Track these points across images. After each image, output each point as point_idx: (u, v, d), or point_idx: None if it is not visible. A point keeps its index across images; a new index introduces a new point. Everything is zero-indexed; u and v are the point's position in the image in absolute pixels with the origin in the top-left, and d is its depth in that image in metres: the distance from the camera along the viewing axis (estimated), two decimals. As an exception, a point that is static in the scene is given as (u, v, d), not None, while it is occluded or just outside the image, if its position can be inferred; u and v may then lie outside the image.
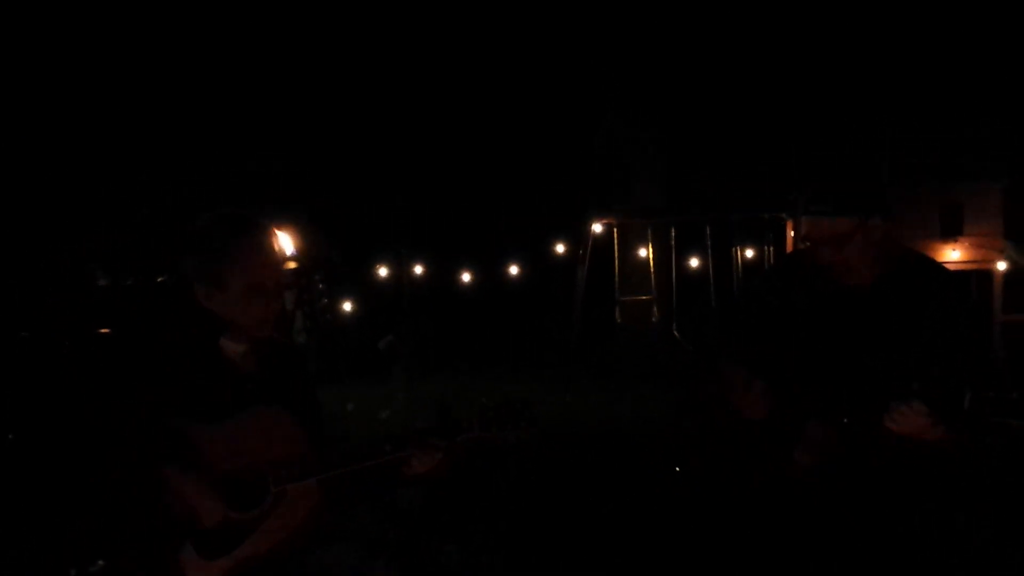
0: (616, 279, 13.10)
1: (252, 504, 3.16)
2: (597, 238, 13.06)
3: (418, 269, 13.14)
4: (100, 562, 2.89)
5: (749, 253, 12.54)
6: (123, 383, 3.16)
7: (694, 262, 12.79)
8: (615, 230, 13.10)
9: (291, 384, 3.49)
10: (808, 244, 3.15)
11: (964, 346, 3.05)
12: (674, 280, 12.70)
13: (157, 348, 3.28)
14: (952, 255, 13.30)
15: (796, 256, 3.38)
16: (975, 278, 13.13)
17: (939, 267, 3.18)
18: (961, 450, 2.84)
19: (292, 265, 10.56)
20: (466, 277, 13.22)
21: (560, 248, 13.26)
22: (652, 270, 12.84)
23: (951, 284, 3.09)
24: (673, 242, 12.80)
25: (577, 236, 13.14)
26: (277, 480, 3.17)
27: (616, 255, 13.19)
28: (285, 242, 9.40)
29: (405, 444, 3.29)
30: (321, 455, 3.23)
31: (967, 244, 13.39)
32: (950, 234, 13.32)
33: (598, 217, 13.01)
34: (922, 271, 3.16)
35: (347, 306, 12.70)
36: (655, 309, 12.70)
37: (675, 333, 12.40)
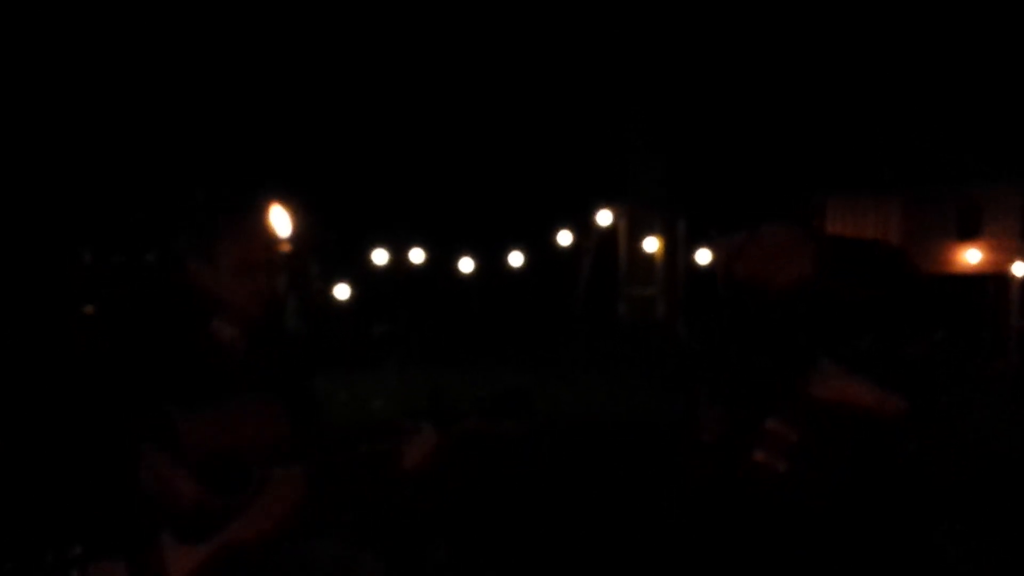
0: (622, 272, 12.84)
1: (234, 489, 3.02)
2: (602, 228, 12.80)
3: (416, 255, 12.93)
4: (78, 548, 2.80)
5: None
6: (103, 363, 3.02)
7: (703, 257, 12.48)
8: (622, 221, 12.85)
9: (283, 370, 3.37)
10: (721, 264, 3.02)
11: (885, 310, 2.95)
12: (682, 275, 12.44)
13: (143, 328, 3.16)
14: (969, 256, 13.07)
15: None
16: (992, 282, 12.87)
17: (881, 248, 3.01)
18: (913, 417, 2.71)
19: (286, 247, 10.43)
20: (465, 265, 12.97)
21: (564, 238, 12.95)
22: (659, 264, 12.58)
23: (884, 259, 2.94)
24: (682, 235, 12.55)
25: (582, 226, 12.88)
26: (261, 465, 3.02)
27: (622, 247, 12.94)
28: (281, 221, 9.23)
29: (396, 434, 3.12)
30: (309, 443, 3.08)
31: (985, 246, 13.15)
32: (968, 235, 13.10)
33: (605, 206, 12.74)
34: (860, 256, 2.99)
35: (342, 291, 12.50)
36: (660, 304, 12.44)
37: (680, 329, 12.13)
